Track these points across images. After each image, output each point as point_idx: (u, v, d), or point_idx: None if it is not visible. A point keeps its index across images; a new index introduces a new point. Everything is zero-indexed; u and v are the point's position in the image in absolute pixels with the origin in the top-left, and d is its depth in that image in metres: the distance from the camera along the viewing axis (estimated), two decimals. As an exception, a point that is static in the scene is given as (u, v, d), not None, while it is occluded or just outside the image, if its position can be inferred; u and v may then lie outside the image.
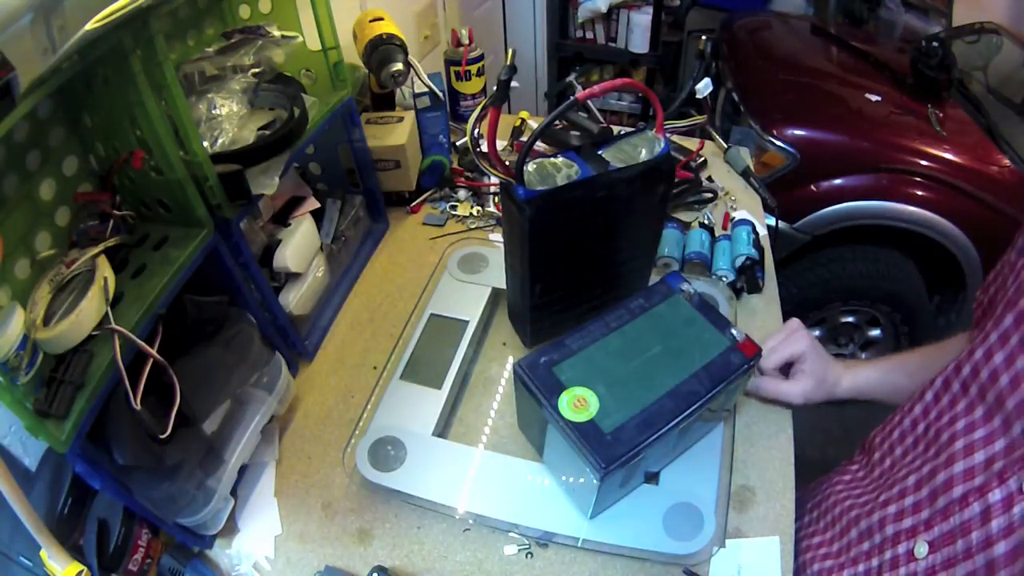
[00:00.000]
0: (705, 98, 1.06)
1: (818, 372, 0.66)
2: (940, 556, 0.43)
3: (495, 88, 0.54)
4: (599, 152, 0.60)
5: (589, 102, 1.03)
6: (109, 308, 0.48)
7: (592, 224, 0.63)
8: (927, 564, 0.44)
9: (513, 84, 0.54)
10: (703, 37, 1.48)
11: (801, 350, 0.67)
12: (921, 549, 0.45)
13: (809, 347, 0.67)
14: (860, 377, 0.68)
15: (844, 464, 0.66)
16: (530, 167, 0.57)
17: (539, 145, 1.01)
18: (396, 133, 0.89)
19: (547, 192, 0.56)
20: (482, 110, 0.56)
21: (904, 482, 0.49)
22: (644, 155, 0.59)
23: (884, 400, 0.67)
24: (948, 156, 1.47)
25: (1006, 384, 0.42)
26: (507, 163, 0.56)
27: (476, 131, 0.58)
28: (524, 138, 1.09)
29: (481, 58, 1.07)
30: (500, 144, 1.03)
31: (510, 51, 0.54)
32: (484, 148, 0.55)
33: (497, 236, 0.92)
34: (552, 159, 0.59)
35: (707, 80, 1.06)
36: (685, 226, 0.88)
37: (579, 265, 0.67)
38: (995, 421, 0.43)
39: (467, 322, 0.75)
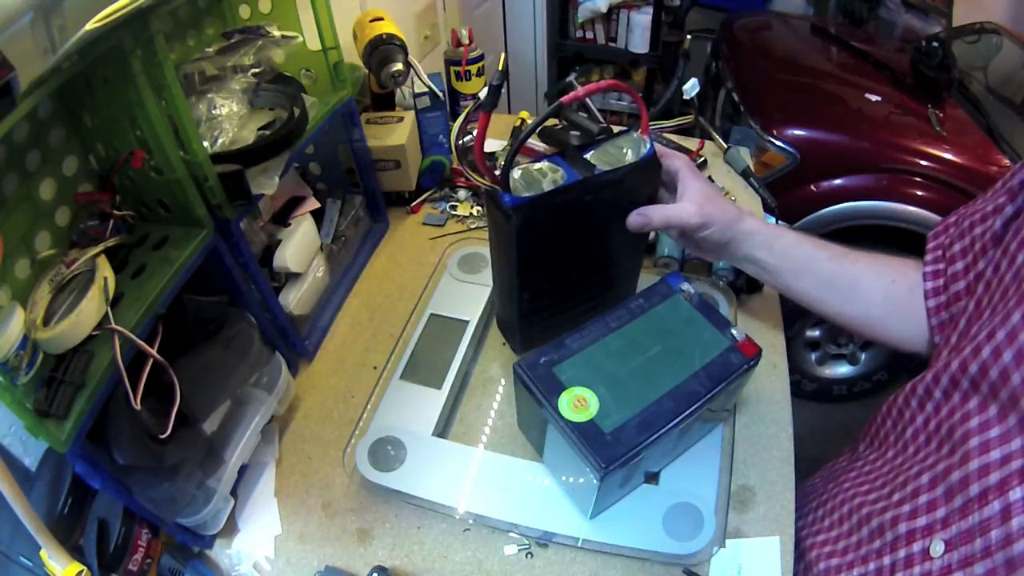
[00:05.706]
0: (692, 98, 1.06)
1: (705, 190, 0.60)
2: (957, 555, 0.43)
3: (482, 93, 0.53)
4: (585, 155, 0.59)
5: (589, 102, 1.03)
6: (109, 308, 0.48)
7: (580, 228, 0.62)
8: (943, 563, 0.43)
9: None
10: (688, 37, 1.48)
11: (676, 165, 0.60)
12: (937, 548, 0.44)
13: (685, 163, 0.60)
14: (769, 227, 0.62)
15: (847, 458, 0.64)
16: (515, 173, 0.57)
17: (539, 146, 1.01)
18: (396, 133, 0.89)
19: (534, 198, 0.55)
20: (468, 116, 0.56)
21: (918, 480, 0.49)
22: (630, 157, 0.59)
23: (788, 275, 0.61)
24: (948, 156, 1.47)
25: (1018, 383, 0.41)
26: (494, 171, 0.55)
27: (461, 141, 0.57)
28: (523, 138, 1.09)
29: (481, 58, 1.07)
30: (500, 144, 1.03)
31: (502, 56, 0.54)
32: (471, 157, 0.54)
33: (497, 236, 0.92)
34: (537, 164, 0.58)
35: (694, 80, 1.08)
36: (685, 226, 0.88)
37: (567, 270, 0.66)
38: (1010, 420, 0.42)
39: (467, 322, 0.75)
